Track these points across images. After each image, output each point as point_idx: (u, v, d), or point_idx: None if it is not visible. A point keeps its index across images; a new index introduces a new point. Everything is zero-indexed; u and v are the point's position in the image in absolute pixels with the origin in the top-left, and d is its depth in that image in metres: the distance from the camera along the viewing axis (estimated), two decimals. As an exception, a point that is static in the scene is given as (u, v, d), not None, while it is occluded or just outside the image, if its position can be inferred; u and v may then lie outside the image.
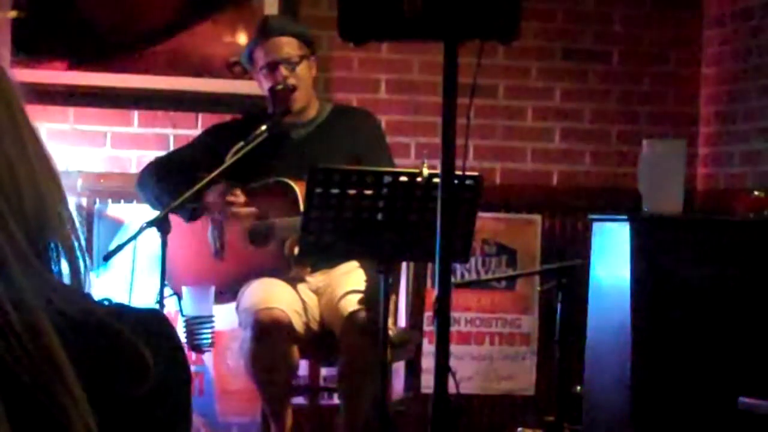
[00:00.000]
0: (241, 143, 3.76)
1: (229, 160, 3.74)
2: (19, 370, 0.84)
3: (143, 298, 3.79)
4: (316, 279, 3.94)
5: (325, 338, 3.87)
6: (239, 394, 4.57)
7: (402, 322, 4.20)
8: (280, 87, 3.93)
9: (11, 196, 0.89)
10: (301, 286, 3.91)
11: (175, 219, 3.68)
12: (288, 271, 3.87)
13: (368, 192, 3.29)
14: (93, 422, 0.85)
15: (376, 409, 3.54)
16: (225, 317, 4.01)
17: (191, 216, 3.79)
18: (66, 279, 0.94)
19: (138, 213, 4.35)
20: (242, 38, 4.64)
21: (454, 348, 4.42)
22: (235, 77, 4.63)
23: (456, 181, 2.88)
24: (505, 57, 4.89)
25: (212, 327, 3.75)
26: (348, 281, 3.84)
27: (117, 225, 4.57)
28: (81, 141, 4.64)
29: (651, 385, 4.08)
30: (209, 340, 3.75)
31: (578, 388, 4.46)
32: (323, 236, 3.34)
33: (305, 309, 3.86)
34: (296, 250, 3.67)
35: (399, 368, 4.30)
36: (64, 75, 4.58)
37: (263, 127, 3.79)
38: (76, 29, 4.59)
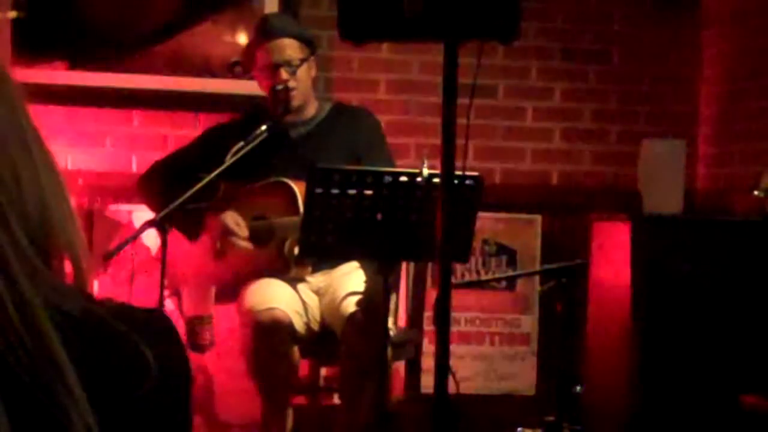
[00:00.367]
0: (241, 143, 3.77)
1: (229, 160, 3.74)
2: (19, 369, 0.84)
3: (143, 298, 3.79)
4: (317, 279, 3.94)
5: (326, 338, 3.86)
6: (239, 394, 4.57)
7: (402, 322, 4.20)
8: (280, 87, 3.94)
9: (14, 197, 0.89)
10: (301, 287, 3.91)
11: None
12: (288, 271, 3.87)
13: (368, 192, 3.28)
14: (93, 422, 0.85)
15: (376, 409, 3.54)
16: (225, 317, 4.01)
17: (195, 233, 3.80)
18: (67, 279, 0.94)
19: (138, 213, 4.35)
20: (242, 38, 4.64)
21: (454, 348, 4.42)
22: (235, 77, 4.63)
23: (456, 181, 2.87)
24: (504, 57, 4.88)
25: (212, 327, 3.75)
26: (349, 282, 3.84)
27: (117, 225, 4.57)
28: (81, 141, 4.64)
29: (651, 385, 4.08)
30: (209, 340, 3.75)
31: (578, 388, 4.46)
32: (323, 236, 3.34)
33: (306, 309, 3.86)
34: (296, 250, 3.67)
35: (399, 368, 4.30)
36: (64, 75, 4.58)
37: (263, 127, 3.81)
38: (76, 29, 4.59)
